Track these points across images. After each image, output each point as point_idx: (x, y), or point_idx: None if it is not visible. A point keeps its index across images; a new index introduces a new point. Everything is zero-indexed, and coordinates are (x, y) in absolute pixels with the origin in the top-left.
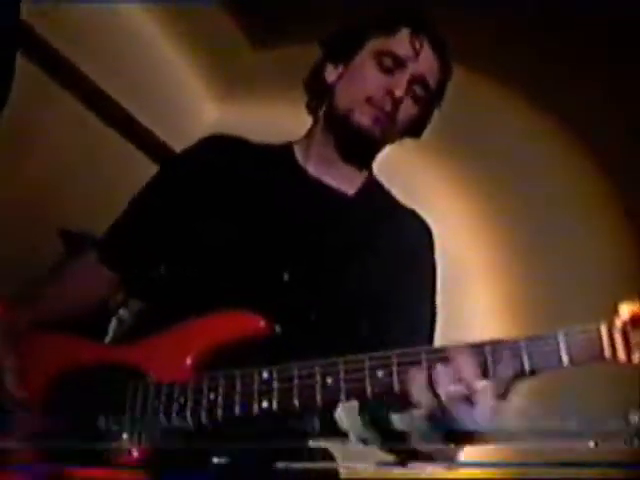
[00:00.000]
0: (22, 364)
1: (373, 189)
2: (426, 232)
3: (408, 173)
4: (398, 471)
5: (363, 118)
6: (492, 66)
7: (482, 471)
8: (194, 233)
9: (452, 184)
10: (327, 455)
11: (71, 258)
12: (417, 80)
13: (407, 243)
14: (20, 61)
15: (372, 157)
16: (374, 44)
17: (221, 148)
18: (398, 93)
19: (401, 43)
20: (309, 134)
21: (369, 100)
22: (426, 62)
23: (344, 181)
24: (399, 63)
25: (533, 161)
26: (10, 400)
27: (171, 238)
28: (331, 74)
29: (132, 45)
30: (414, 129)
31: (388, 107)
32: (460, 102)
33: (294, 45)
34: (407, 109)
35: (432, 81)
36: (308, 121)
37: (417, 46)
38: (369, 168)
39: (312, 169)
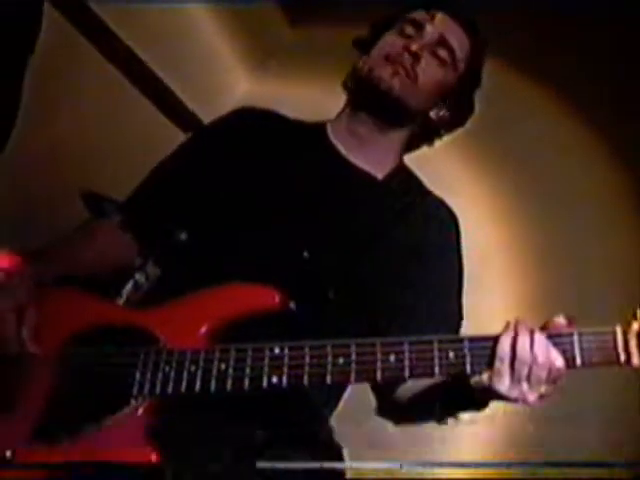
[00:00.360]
0: (41, 318)
1: (402, 175)
2: (454, 222)
3: (434, 164)
4: (403, 471)
5: (383, 73)
6: (528, 60)
7: (484, 471)
8: (218, 202)
9: (476, 178)
10: (338, 455)
11: (96, 220)
12: (438, 41)
13: (434, 232)
14: (56, 18)
15: (401, 119)
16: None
17: (253, 120)
18: (414, 47)
19: (419, 13)
20: (341, 114)
21: (387, 57)
22: (444, 23)
23: (374, 164)
24: (418, 28)
25: (560, 159)
26: (23, 352)
27: (195, 206)
28: (359, 62)
29: (169, 14)
30: (454, 113)
31: (406, 62)
32: (489, 96)
33: (332, 26)
34: (430, 69)
35: (457, 45)
36: (339, 102)
37: (433, 12)
38: (400, 154)
39: (343, 150)
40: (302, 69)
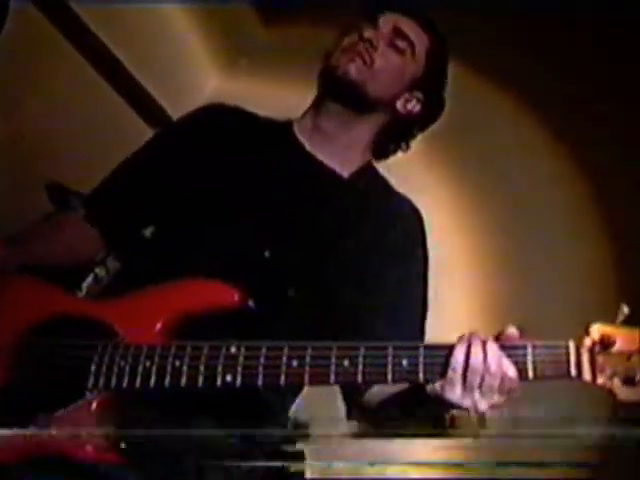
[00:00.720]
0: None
1: (369, 173)
2: (419, 223)
3: (398, 167)
4: (369, 469)
5: (339, 61)
6: (490, 63)
7: (468, 469)
8: (183, 198)
9: (439, 182)
10: (298, 454)
11: (62, 213)
12: (394, 31)
13: (399, 232)
14: (27, 9)
15: (362, 105)
16: None
17: (220, 116)
18: (366, 34)
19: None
20: (307, 112)
21: (344, 49)
22: (396, 17)
23: (341, 162)
24: (372, 24)
25: (525, 163)
26: None
27: (160, 201)
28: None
29: (143, 11)
30: (424, 108)
31: (361, 48)
32: (458, 98)
33: (305, 27)
34: (388, 56)
35: (414, 37)
36: (309, 102)
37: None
38: (367, 151)
39: (309, 146)
40: (274, 69)
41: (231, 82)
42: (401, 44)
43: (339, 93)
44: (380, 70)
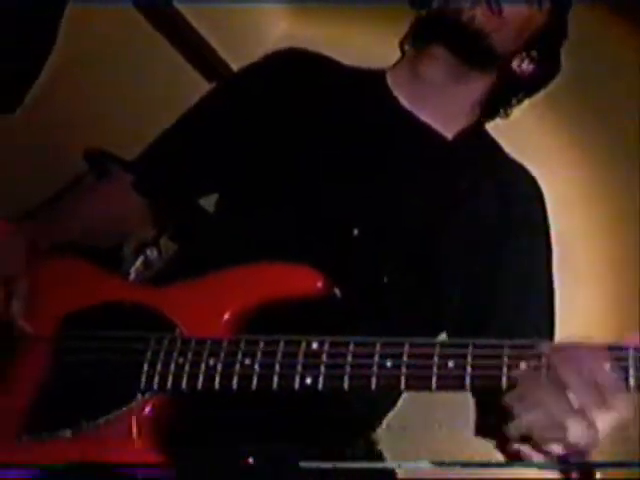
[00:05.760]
0: (35, 291)
1: (478, 135)
2: (539, 194)
3: (519, 129)
4: (456, 470)
5: (461, 3)
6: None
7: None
8: (253, 163)
9: (568, 149)
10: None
11: (100, 179)
12: None
13: (516, 204)
14: None
15: (483, 59)
16: None
17: (299, 64)
18: None
19: None
20: (401, 60)
21: None
22: None
23: (444, 120)
24: None
25: None
26: (13, 330)
27: (225, 167)
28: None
29: None
30: (538, 68)
31: None
32: (586, 55)
33: None
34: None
35: None
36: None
37: None
38: (477, 110)
39: (406, 102)
40: (352, 8)
41: (301, 26)
42: None
43: (456, 40)
44: (508, 20)
